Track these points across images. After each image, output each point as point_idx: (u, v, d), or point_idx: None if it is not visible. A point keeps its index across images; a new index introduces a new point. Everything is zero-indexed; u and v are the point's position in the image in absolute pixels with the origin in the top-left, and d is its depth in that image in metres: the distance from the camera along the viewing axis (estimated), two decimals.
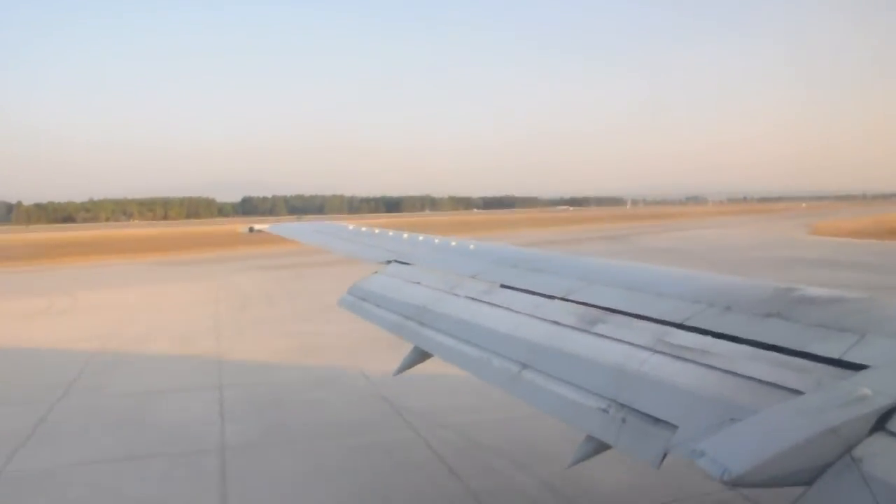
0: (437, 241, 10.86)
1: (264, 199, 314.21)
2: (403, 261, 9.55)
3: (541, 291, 6.46)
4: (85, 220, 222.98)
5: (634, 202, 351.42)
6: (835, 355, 3.68)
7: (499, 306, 6.62)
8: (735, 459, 2.97)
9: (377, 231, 13.04)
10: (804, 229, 75.77)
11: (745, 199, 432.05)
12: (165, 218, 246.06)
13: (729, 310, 4.73)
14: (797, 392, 3.51)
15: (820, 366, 3.67)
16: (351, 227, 14.68)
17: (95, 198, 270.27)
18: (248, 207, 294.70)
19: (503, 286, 7.08)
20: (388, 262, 9.72)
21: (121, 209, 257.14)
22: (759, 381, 3.75)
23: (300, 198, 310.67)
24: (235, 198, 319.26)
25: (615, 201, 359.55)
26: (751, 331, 4.29)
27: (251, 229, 22.87)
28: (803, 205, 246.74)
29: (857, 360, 3.56)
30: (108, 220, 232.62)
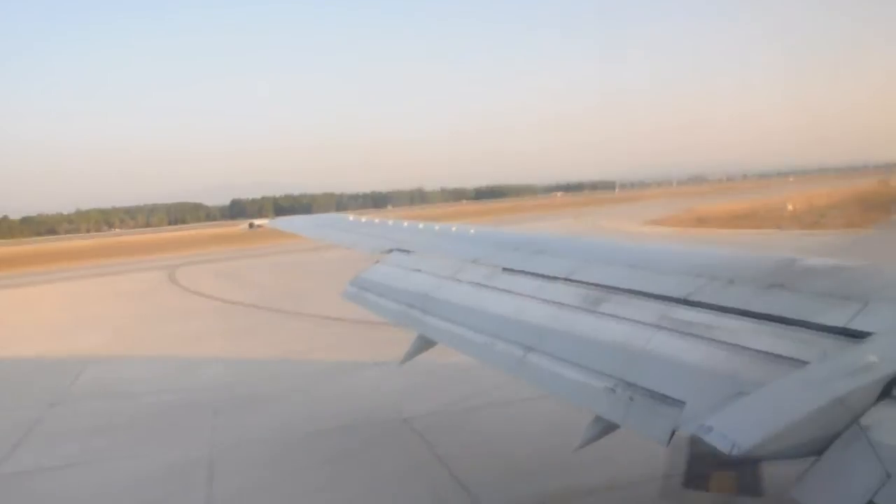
0: (437, 227, 10.92)
1: (253, 200, 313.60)
2: (404, 249, 9.44)
3: (543, 273, 6.35)
4: (67, 232, 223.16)
5: (622, 186, 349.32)
6: (839, 324, 3.66)
7: (501, 290, 6.50)
8: (743, 433, 2.96)
9: (377, 221, 13.19)
10: (652, 218, 70.10)
11: (744, 177, 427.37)
12: (148, 225, 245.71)
13: (732, 283, 4.65)
14: (803, 363, 3.48)
15: (824, 335, 3.65)
16: (351, 217, 14.78)
17: (83, 208, 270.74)
18: (237, 210, 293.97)
19: (505, 270, 6.96)
20: (389, 251, 9.64)
21: (105, 219, 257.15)
22: (765, 354, 3.73)
23: (289, 197, 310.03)
24: (224, 201, 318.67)
25: (609, 185, 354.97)
26: (754, 303, 4.25)
27: (251, 225, 23.47)
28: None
29: (862, 328, 3.54)
30: (89, 230, 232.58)
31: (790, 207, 66.37)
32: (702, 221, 58.48)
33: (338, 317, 21.30)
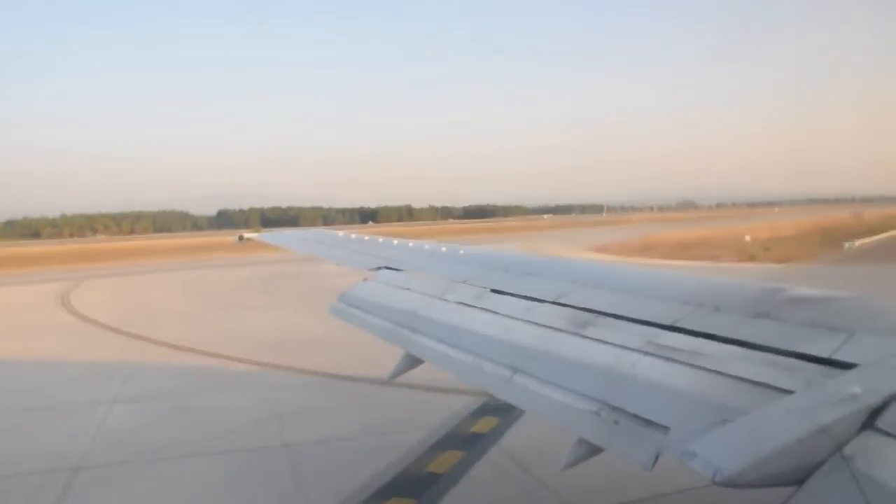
0: (427, 246, 10.99)
1: (241, 211, 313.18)
2: (393, 267, 9.51)
3: (532, 295, 6.40)
4: (51, 236, 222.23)
5: (610, 209, 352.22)
6: (824, 354, 3.70)
7: (490, 311, 6.54)
8: (727, 460, 3.01)
9: (367, 238, 13.17)
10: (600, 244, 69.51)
11: (733, 205, 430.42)
12: (132, 232, 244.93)
13: (718, 311, 4.70)
14: (787, 392, 3.51)
15: (810, 365, 3.69)
16: (340, 234, 14.87)
17: (68, 213, 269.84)
18: (224, 220, 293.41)
19: (494, 291, 7.01)
20: (378, 268, 9.70)
21: (90, 224, 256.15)
22: (750, 382, 3.76)
23: (277, 210, 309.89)
24: (211, 211, 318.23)
25: (597, 208, 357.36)
26: (740, 331, 4.30)
27: (241, 238, 22.96)
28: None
29: (847, 359, 3.58)
30: (72, 235, 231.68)
31: (747, 238, 66.82)
32: (645, 250, 58.81)
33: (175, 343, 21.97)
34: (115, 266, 64.09)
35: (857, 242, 57.46)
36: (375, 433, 12.32)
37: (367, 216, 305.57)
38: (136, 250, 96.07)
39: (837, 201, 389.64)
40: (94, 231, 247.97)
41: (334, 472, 10.54)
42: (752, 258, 48.17)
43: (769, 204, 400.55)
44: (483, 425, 12.21)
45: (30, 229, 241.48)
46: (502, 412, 12.75)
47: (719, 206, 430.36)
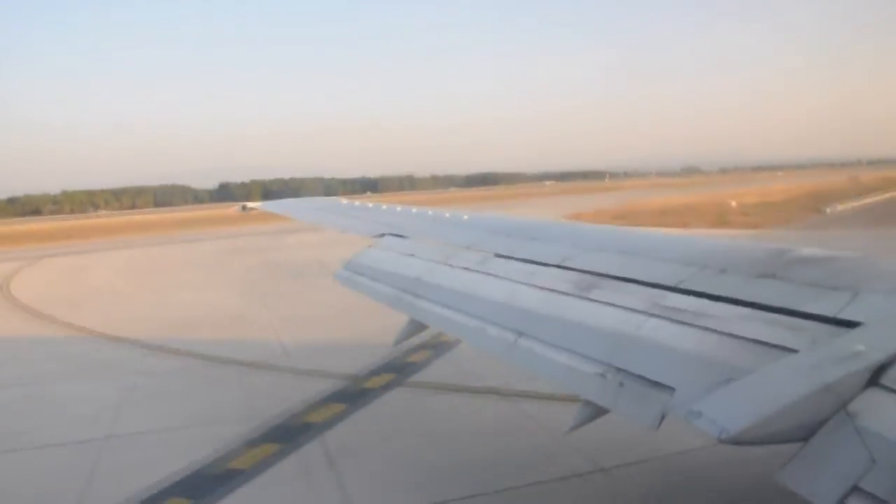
0: (430, 213, 10.89)
1: (242, 184, 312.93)
2: (398, 233, 9.47)
3: (536, 259, 6.40)
4: (52, 213, 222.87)
5: (613, 176, 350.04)
6: (829, 314, 3.70)
7: (494, 275, 6.55)
8: (732, 419, 3.03)
9: (371, 205, 13.09)
10: (577, 211, 67.70)
11: (736, 169, 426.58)
12: (133, 207, 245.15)
13: (723, 272, 4.70)
14: (792, 351, 3.53)
15: (815, 324, 3.69)
16: (344, 201, 14.93)
17: (69, 189, 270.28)
18: (225, 193, 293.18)
19: (498, 255, 7.01)
20: (382, 235, 9.66)
21: (91, 200, 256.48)
22: (755, 342, 3.77)
23: (278, 181, 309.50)
24: (212, 184, 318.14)
25: (601, 175, 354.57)
26: (745, 292, 4.29)
27: (244, 208, 22.72)
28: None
29: (851, 318, 3.58)
30: (72, 211, 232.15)
31: (733, 204, 65.56)
32: (620, 217, 57.61)
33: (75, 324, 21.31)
34: (93, 242, 63.90)
35: (839, 207, 56.13)
36: (205, 423, 11.58)
37: (368, 186, 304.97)
38: (127, 225, 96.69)
39: (844, 165, 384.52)
40: (95, 207, 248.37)
41: (126, 471, 9.77)
42: (723, 224, 47.00)
43: (774, 168, 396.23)
44: (320, 415, 11.45)
45: (31, 206, 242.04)
46: (354, 399, 12.08)
47: (723, 171, 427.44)
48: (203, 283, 31.48)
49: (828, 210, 54.82)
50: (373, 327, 14.50)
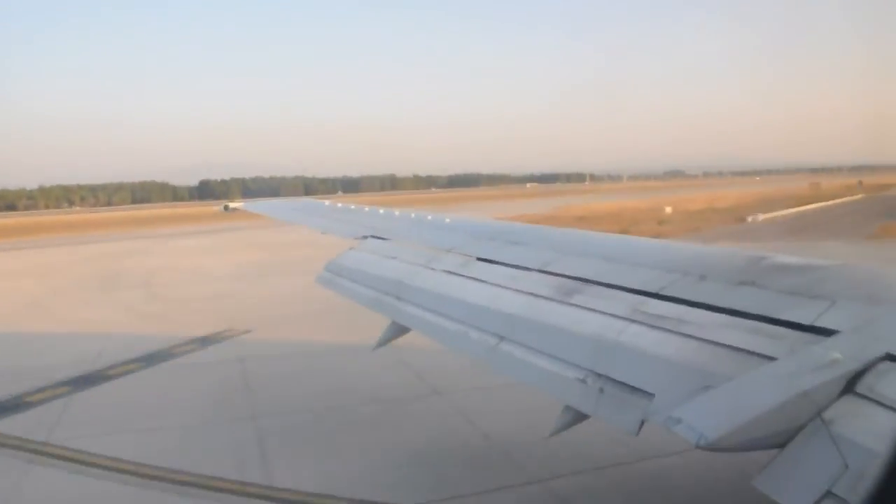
0: (412, 215, 10.96)
1: (223, 181, 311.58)
2: (380, 236, 9.44)
3: (517, 263, 6.39)
4: (27, 208, 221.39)
5: (595, 178, 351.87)
6: (807, 321, 3.73)
7: (476, 279, 6.53)
8: (710, 425, 3.07)
9: (353, 207, 13.25)
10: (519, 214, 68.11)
11: (719, 174, 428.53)
12: (109, 204, 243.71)
13: (703, 279, 4.74)
14: (771, 358, 3.56)
15: (792, 332, 3.72)
16: (327, 203, 15.09)
17: (46, 184, 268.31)
18: (206, 191, 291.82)
19: (480, 259, 7.00)
20: (365, 237, 9.66)
21: (66, 196, 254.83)
22: (734, 349, 3.79)
23: (258, 180, 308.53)
24: (192, 181, 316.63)
25: (581, 177, 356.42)
26: (725, 299, 4.32)
27: (226, 208, 22.17)
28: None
29: (828, 326, 3.61)
30: (47, 207, 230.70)
31: (668, 210, 65.93)
32: (553, 220, 57.99)
33: None
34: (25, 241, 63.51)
35: (761, 217, 56.32)
36: None
37: (350, 185, 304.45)
38: (83, 223, 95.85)
39: (827, 170, 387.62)
40: (71, 203, 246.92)
41: None
42: (629, 232, 47.21)
43: (756, 173, 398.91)
44: None
45: (5, 201, 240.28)
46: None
47: (706, 175, 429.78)
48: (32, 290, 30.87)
49: (749, 219, 55.03)
50: None
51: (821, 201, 75.47)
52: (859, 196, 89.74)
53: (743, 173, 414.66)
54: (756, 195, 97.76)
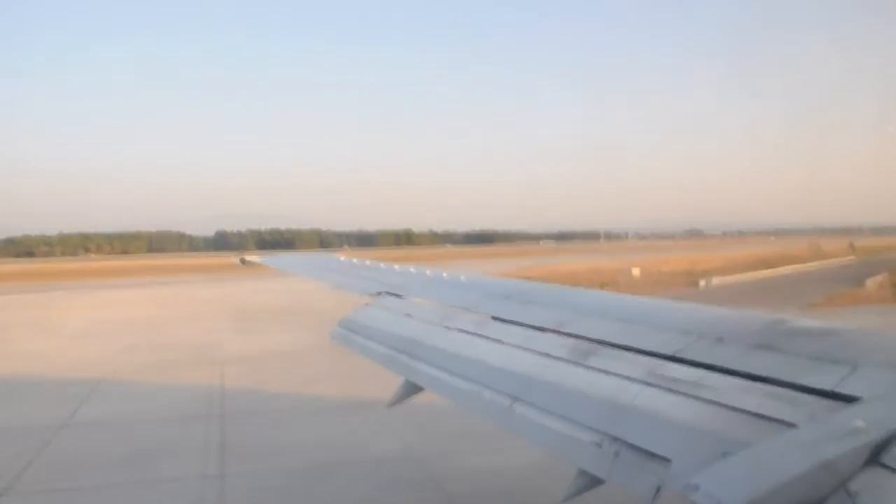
0: (428, 272, 10.96)
1: (239, 233, 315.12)
2: (395, 293, 9.49)
3: (533, 324, 6.36)
4: (45, 255, 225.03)
5: (610, 236, 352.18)
6: (827, 387, 3.66)
7: (490, 339, 6.50)
8: (730, 493, 2.97)
9: (368, 263, 13.34)
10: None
11: (739, 233, 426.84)
12: (124, 252, 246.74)
13: (720, 341, 4.67)
14: (790, 425, 3.49)
15: (813, 398, 3.65)
16: (342, 258, 15.14)
17: (66, 231, 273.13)
18: (221, 242, 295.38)
19: (495, 318, 6.98)
20: (379, 293, 9.69)
21: (84, 244, 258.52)
22: (752, 414, 3.73)
23: (274, 232, 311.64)
24: (209, 232, 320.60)
25: (594, 236, 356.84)
26: (743, 362, 4.27)
27: (242, 261, 23.00)
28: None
29: (850, 392, 3.54)
30: (63, 254, 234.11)
31: (635, 272, 64.90)
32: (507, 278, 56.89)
33: None
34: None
35: (715, 281, 54.53)
36: None
37: (365, 240, 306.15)
38: (88, 271, 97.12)
39: (844, 231, 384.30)
40: (86, 250, 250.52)
41: None
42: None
43: (774, 232, 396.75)
44: None
45: (25, 247, 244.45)
46: None
47: (724, 234, 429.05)
48: None
49: (702, 283, 53.17)
50: None
51: (814, 261, 74.16)
52: (848, 258, 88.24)
53: (763, 232, 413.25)
54: (751, 256, 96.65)
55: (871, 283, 50.13)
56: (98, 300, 53.78)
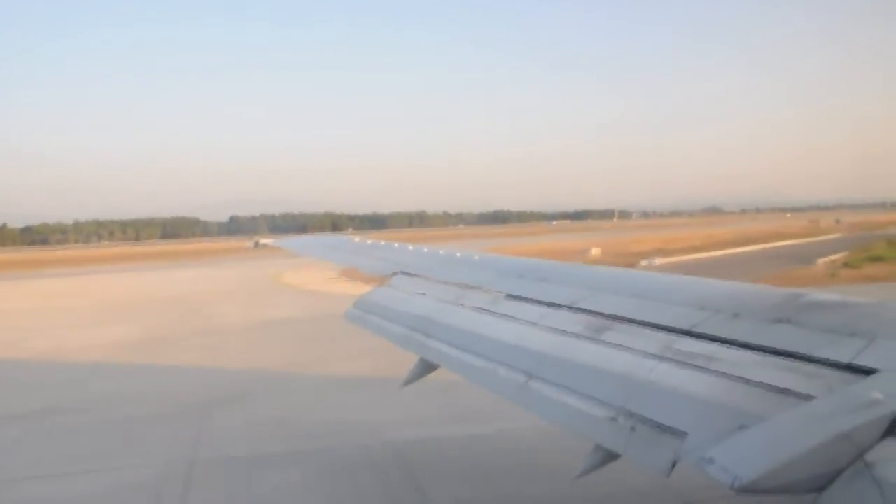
0: (441, 252, 10.84)
1: (252, 217, 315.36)
2: (408, 272, 9.46)
3: (547, 301, 6.37)
4: (59, 242, 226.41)
5: (621, 215, 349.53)
6: (844, 360, 3.65)
7: (505, 316, 6.52)
8: (745, 467, 2.94)
9: (382, 243, 13.17)
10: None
11: (757, 210, 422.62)
12: (137, 239, 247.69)
13: (737, 316, 4.65)
14: (807, 397, 3.46)
15: (829, 370, 3.63)
16: (356, 239, 15.08)
17: (82, 219, 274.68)
18: (235, 227, 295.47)
19: (509, 296, 6.99)
20: (393, 273, 9.65)
21: (98, 231, 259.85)
22: (769, 387, 3.71)
23: (287, 216, 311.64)
24: (222, 217, 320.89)
25: (611, 214, 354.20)
26: (759, 337, 4.25)
27: (256, 244, 23.05)
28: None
29: (867, 365, 3.52)
30: (76, 241, 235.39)
31: (594, 252, 63.61)
32: None
33: None
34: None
35: (657, 262, 52.39)
36: None
37: (377, 222, 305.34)
38: (92, 258, 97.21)
39: (869, 206, 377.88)
40: (99, 237, 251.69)
41: None
42: None
43: (793, 209, 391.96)
44: None
45: (41, 236, 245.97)
46: None
47: (743, 211, 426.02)
48: None
49: (643, 263, 51.15)
50: None
51: (805, 238, 74.86)
52: (834, 235, 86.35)
53: (782, 209, 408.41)
54: (738, 233, 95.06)
55: (822, 262, 49.11)
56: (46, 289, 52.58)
